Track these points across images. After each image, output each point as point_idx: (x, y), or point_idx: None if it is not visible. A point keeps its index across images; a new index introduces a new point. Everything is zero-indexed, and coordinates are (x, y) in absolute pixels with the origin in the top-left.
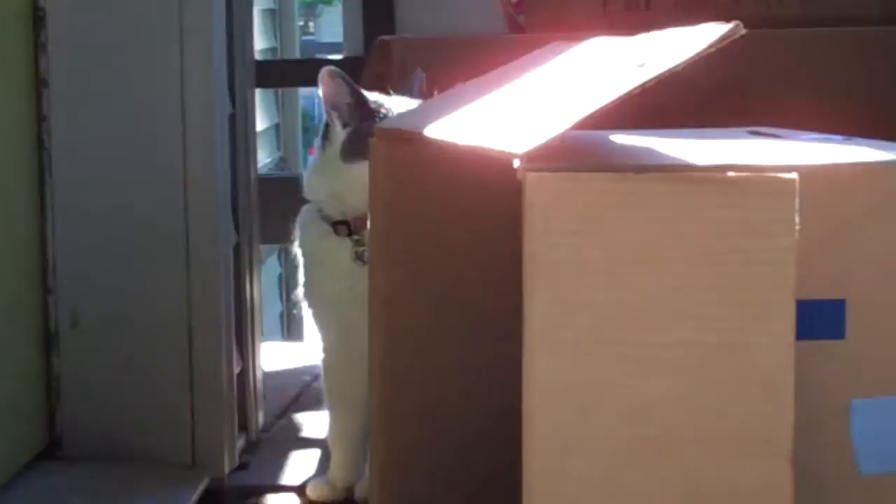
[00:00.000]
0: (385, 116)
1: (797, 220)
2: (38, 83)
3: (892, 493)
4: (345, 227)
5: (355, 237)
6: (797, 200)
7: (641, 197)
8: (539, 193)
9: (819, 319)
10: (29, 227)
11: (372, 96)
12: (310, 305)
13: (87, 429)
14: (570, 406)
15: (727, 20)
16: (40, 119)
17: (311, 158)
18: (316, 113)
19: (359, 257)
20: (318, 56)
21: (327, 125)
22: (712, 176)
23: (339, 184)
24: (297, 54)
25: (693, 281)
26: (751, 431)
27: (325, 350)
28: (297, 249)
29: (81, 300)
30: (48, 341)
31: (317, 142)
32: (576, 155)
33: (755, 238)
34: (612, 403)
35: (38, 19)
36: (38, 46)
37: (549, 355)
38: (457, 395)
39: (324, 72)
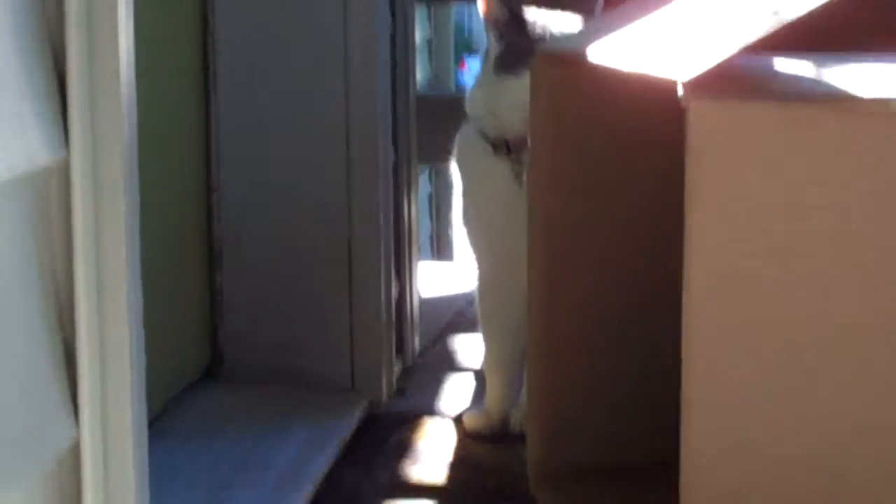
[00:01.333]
0: (541, 34)
1: None
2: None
3: None
4: (504, 146)
5: (514, 157)
6: None
7: (806, 127)
8: (703, 121)
9: None
10: (195, 150)
11: (530, 12)
12: (466, 226)
13: (248, 349)
14: (727, 340)
15: None
16: (206, 46)
17: (461, 74)
18: (465, 26)
19: (517, 177)
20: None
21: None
22: (878, 107)
23: (493, 100)
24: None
25: (857, 214)
26: None
27: (481, 275)
28: (453, 169)
29: (245, 219)
30: (212, 260)
31: (470, 57)
32: (740, 83)
33: None
34: (771, 337)
35: None
36: None
37: (708, 285)
38: (613, 322)
39: None
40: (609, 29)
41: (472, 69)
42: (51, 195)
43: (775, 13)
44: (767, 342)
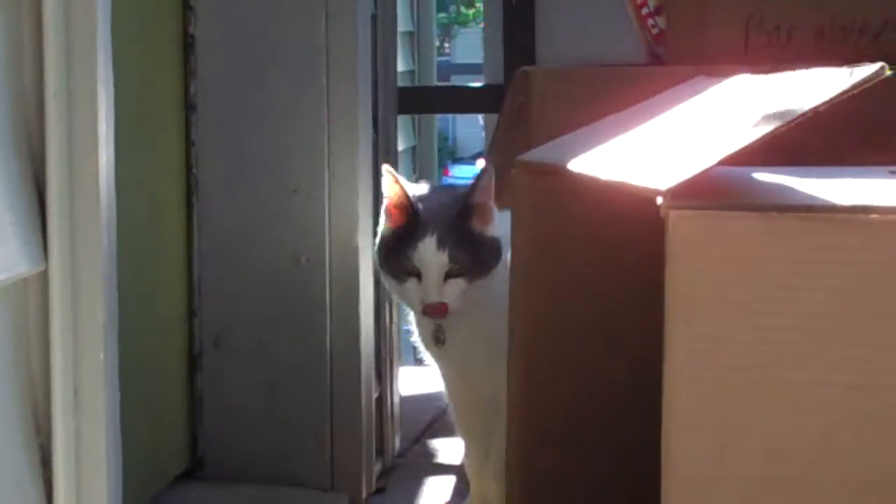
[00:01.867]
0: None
1: None
2: (188, 108)
3: None
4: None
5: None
6: None
7: (784, 236)
8: (681, 230)
9: None
10: (176, 251)
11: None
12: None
13: (228, 449)
14: (708, 442)
15: (867, 56)
16: (188, 143)
17: (445, 180)
18: (450, 134)
19: (438, 341)
20: (454, 79)
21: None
22: (855, 217)
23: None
24: (433, 77)
25: (834, 322)
26: (891, 475)
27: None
28: None
29: (225, 321)
30: (192, 361)
31: (454, 164)
32: (718, 193)
33: None
34: (751, 441)
35: (187, 45)
36: (187, 72)
37: (689, 391)
38: (598, 423)
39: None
40: (590, 140)
41: (455, 175)
42: (29, 304)
43: (754, 125)
44: (746, 447)
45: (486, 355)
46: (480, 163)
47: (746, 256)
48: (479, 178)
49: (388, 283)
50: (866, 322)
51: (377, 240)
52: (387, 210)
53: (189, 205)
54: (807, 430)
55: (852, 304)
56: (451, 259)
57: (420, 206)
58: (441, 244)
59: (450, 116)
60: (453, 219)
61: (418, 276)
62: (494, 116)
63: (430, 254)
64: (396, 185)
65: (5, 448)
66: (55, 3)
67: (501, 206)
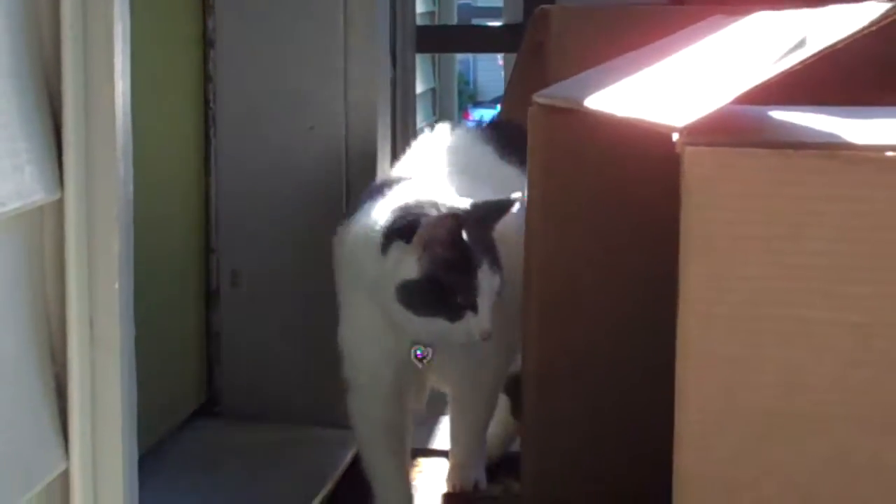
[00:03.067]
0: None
1: None
2: (206, 44)
3: None
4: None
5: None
6: None
7: (798, 174)
8: (697, 167)
9: None
10: (193, 192)
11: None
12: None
13: (243, 387)
14: (722, 379)
15: None
16: (206, 79)
17: (466, 124)
18: (470, 78)
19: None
20: (476, 21)
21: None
22: (869, 155)
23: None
24: (454, 18)
25: (847, 260)
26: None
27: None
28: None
29: (242, 259)
30: (209, 299)
31: (474, 108)
32: (734, 130)
33: None
34: (764, 378)
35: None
36: (205, 8)
37: (702, 328)
38: (607, 360)
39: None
40: (607, 78)
41: (474, 118)
42: (44, 232)
43: (771, 63)
44: (760, 385)
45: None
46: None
47: (761, 193)
48: (507, 206)
49: (425, 326)
50: (880, 260)
51: (397, 287)
52: (428, 252)
53: (207, 141)
54: (818, 367)
55: (866, 242)
56: (500, 279)
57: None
58: (492, 266)
59: (470, 60)
60: (489, 236)
61: (474, 306)
62: (514, 58)
63: (487, 280)
64: (456, 229)
65: (21, 376)
66: None
67: None
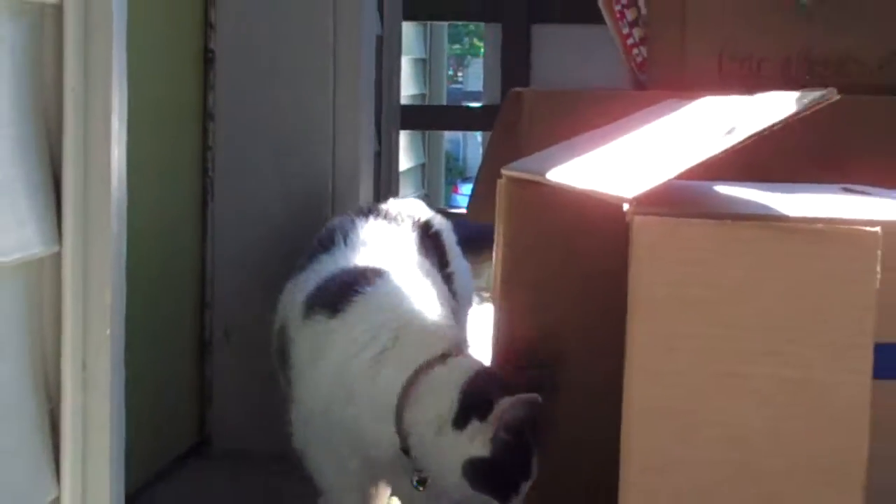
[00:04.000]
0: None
1: (878, 269)
2: (206, 117)
3: None
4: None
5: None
6: (879, 252)
7: (738, 243)
8: (645, 235)
9: (893, 361)
10: (191, 250)
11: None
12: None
13: (233, 430)
14: (666, 430)
15: (831, 83)
16: (205, 149)
17: (454, 197)
18: (459, 155)
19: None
20: (463, 103)
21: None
22: (802, 226)
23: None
24: (443, 101)
25: (782, 321)
26: (829, 462)
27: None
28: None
29: (235, 315)
30: (203, 350)
31: (463, 183)
32: (679, 202)
33: (839, 284)
34: (706, 430)
35: (207, 60)
36: (206, 84)
37: (648, 383)
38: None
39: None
40: (570, 153)
41: (462, 192)
42: (43, 281)
43: (715, 142)
44: (701, 438)
45: None
46: None
47: (704, 260)
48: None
49: (470, 496)
50: (813, 324)
51: (465, 462)
52: (502, 433)
53: (204, 206)
54: (757, 420)
55: (800, 307)
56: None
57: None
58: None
59: (460, 139)
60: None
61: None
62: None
63: (535, 465)
64: (532, 414)
65: (18, 412)
66: (75, 5)
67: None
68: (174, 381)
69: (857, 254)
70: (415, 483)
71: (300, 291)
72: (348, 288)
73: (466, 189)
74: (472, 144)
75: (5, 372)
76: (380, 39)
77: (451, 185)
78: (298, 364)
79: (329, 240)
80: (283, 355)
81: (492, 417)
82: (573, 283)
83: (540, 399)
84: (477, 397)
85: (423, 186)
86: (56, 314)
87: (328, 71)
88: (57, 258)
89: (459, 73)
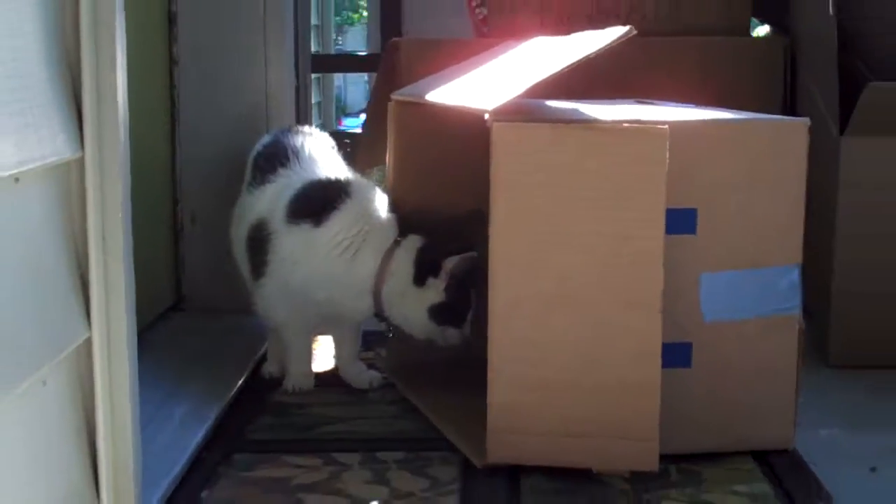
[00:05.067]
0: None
1: (667, 155)
2: (171, 62)
3: (722, 330)
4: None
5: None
6: (667, 143)
7: (568, 140)
8: (501, 136)
9: (679, 221)
10: (163, 157)
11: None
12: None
13: (201, 292)
14: (518, 273)
15: (628, 25)
16: (172, 87)
17: (339, 127)
18: (342, 96)
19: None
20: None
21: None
22: (612, 126)
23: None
24: (309, 52)
25: (600, 193)
26: (636, 291)
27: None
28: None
29: (198, 205)
30: (176, 234)
31: (345, 117)
32: (525, 112)
33: (641, 167)
34: (546, 272)
35: (171, 19)
36: (170, 38)
37: (506, 240)
38: None
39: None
40: (441, 81)
41: (345, 124)
42: (71, 179)
43: (545, 69)
44: (543, 276)
45: None
46: (363, 116)
47: (542, 152)
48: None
49: (434, 331)
50: (622, 195)
51: (429, 308)
52: (452, 282)
53: (173, 116)
54: (582, 265)
55: (613, 184)
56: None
57: None
58: (473, 291)
59: (342, 82)
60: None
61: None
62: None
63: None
64: (471, 266)
65: (57, 276)
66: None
67: (375, 163)
68: (156, 257)
69: (652, 145)
70: (389, 334)
71: (279, 198)
72: (328, 201)
73: (347, 121)
74: (352, 90)
75: (48, 246)
76: (295, 4)
77: (337, 119)
78: (277, 259)
79: (284, 155)
80: (258, 246)
81: (442, 273)
82: (445, 174)
83: (476, 254)
84: (428, 262)
85: (320, 118)
86: (82, 203)
87: (260, 22)
88: (81, 161)
89: (339, 38)
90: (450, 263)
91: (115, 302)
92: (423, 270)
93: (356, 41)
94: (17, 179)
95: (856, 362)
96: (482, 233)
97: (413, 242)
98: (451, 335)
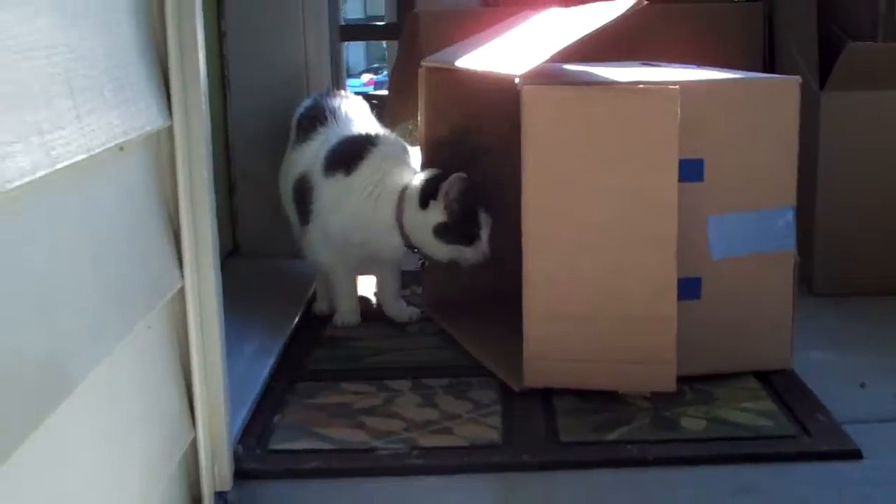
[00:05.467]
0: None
1: (678, 112)
2: (220, 34)
3: (728, 266)
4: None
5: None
6: (679, 100)
7: (591, 100)
8: (530, 97)
9: (689, 170)
10: (217, 122)
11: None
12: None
13: (253, 240)
14: (548, 219)
15: None
16: (221, 57)
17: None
18: (344, 57)
19: (423, 267)
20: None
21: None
22: (631, 87)
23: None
24: (340, 23)
25: (620, 147)
26: (653, 233)
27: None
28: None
29: (249, 162)
30: (230, 187)
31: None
32: (550, 76)
33: (656, 122)
34: (571, 220)
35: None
36: (219, 15)
37: (536, 191)
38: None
39: (459, 176)
40: (466, 49)
41: (348, 85)
42: (161, 146)
43: (564, 37)
44: (569, 222)
45: None
46: (364, 76)
47: (568, 112)
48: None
49: (449, 252)
50: (639, 149)
51: (433, 227)
52: (450, 203)
53: (224, 83)
54: (604, 213)
55: (630, 139)
56: (490, 219)
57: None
58: (486, 211)
59: (344, 48)
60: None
61: (479, 237)
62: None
63: (484, 219)
64: (464, 186)
65: (154, 233)
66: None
67: (400, 120)
68: (222, 210)
69: (665, 103)
70: (422, 265)
71: (318, 154)
72: (356, 153)
73: (349, 83)
74: (352, 53)
75: (147, 206)
76: None
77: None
78: (319, 207)
79: (324, 115)
80: (302, 196)
81: (440, 195)
82: (475, 135)
83: (465, 175)
84: (428, 187)
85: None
86: (172, 167)
87: (298, 11)
88: (170, 130)
89: (343, 5)
90: (445, 185)
91: (203, 254)
92: (426, 194)
93: (356, 8)
94: (121, 148)
95: (837, 290)
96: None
97: (423, 175)
98: (468, 254)
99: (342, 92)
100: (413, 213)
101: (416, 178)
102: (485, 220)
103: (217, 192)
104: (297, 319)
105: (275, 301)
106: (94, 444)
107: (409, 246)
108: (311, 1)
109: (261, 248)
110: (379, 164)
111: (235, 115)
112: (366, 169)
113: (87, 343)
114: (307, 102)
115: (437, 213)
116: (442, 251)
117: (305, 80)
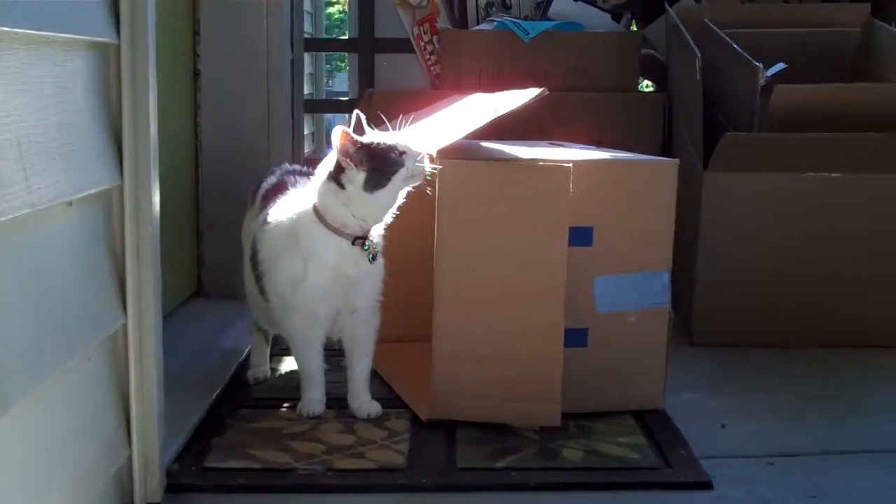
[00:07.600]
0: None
1: (570, 186)
2: (195, 108)
3: (611, 319)
4: (361, 240)
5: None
6: (571, 176)
7: (495, 173)
8: (447, 171)
9: (580, 236)
10: (189, 179)
11: (371, 139)
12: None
13: (217, 284)
14: (456, 276)
15: (540, 86)
16: (196, 108)
17: (327, 152)
18: (331, 125)
19: (373, 258)
20: (334, 98)
21: (337, 169)
22: (530, 163)
23: (363, 208)
24: (323, 96)
25: (520, 214)
26: (545, 288)
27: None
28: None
29: (216, 215)
30: (198, 237)
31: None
32: (463, 151)
33: (550, 194)
34: (477, 275)
35: (195, 74)
36: (195, 91)
37: (447, 251)
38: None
39: (337, 129)
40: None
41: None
42: (113, 204)
43: (480, 118)
44: (477, 277)
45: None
46: None
47: (476, 183)
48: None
49: (394, 186)
50: (536, 218)
51: (363, 186)
52: (353, 158)
53: (196, 141)
54: (503, 270)
55: (528, 209)
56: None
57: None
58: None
59: (330, 116)
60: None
61: (403, 153)
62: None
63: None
64: (348, 136)
65: (101, 278)
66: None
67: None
68: (182, 255)
69: (559, 178)
70: (370, 259)
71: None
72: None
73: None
74: (338, 121)
75: (95, 254)
76: (292, 61)
77: (326, 143)
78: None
79: (285, 189)
80: (258, 275)
81: (340, 162)
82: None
83: (342, 126)
84: (332, 173)
85: (313, 144)
86: (121, 220)
87: (264, 76)
88: (120, 189)
89: (330, 81)
90: (331, 155)
91: (145, 298)
92: (332, 177)
93: (343, 84)
94: (70, 203)
95: (713, 342)
96: None
97: (315, 174)
98: (407, 173)
99: (307, 168)
100: (341, 201)
101: (311, 183)
102: (391, 137)
103: (185, 238)
104: (246, 352)
105: (230, 335)
106: (28, 456)
107: (366, 236)
108: (275, 78)
109: (223, 289)
110: (284, 203)
111: (205, 175)
112: (275, 212)
113: (24, 368)
114: (272, 179)
115: (355, 177)
116: (390, 195)
117: (267, 144)
